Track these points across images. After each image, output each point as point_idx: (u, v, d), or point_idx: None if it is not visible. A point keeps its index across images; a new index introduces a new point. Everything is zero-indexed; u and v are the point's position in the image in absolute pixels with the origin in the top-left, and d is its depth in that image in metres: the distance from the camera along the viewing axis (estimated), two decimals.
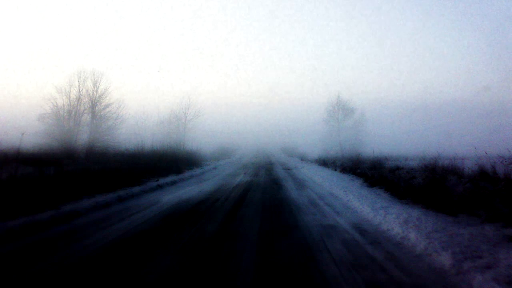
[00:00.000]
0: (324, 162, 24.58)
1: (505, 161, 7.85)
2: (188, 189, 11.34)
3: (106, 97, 25.17)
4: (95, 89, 24.83)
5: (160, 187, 11.91)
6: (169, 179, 13.80)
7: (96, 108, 24.79)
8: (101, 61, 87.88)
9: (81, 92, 24.47)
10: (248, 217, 6.72)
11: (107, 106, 25.24)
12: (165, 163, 18.09)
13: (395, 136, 44.00)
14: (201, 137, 38.43)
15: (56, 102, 23.69)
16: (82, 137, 24.20)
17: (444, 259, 3.87)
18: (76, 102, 24.28)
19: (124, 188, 10.39)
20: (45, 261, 4.15)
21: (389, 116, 54.62)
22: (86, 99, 24.63)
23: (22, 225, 5.57)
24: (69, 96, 24.19)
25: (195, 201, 8.81)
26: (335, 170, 18.39)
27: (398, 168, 13.94)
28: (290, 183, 13.32)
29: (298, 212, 7.21)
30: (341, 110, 36.67)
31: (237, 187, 11.96)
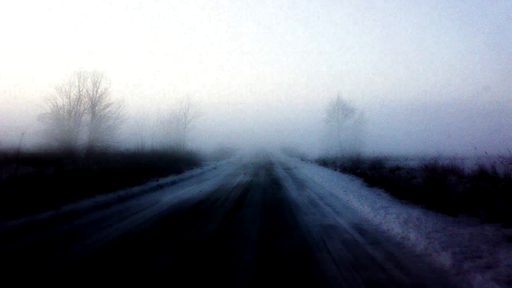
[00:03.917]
0: (324, 162, 24.59)
1: (505, 161, 7.84)
2: (188, 189, 11.34)
3: (106, 97, 25.18)
4: (95, 89, 24.83)
5: (160, 187, 11.91)
6: (169, 179, 13.80)
7: (96, 108, 24.79)
8: (101, 61, 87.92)
9: (81, 92, 24.48)
10: (248, 217, 6.72)
11: (107, 106, 25.25)
12: (165, 163, 18.09)
13: (395, 136, 44.03)
14: (201, 137, 38.37)
15: (56, 102, 23.69)
16: (82, 137, 24.19)
17: (444, 259, 3.87)
18: (76, 102, 24.28)
19: (124, 188, 10.39)
20: (45, 261, 4.16)
21: (389, 116, 54.63)
22: (86, 99, 24.63)
23: (22, 225, 5.57)
24: (69, 96, 24.19)
25: (195, 201, 8.81)
26: (335, 170, 18.39)
27: (398, 168, 13.94)
28: (290, 183, 13.32)
29: (298, 212, 7.21)
30: (341, 110, 36.66)
31: (237, 187, 11.96)
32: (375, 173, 13.11)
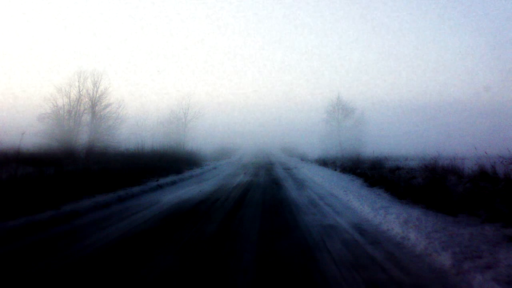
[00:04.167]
0: (324, 162, 24.60)
1: (505, 161, 7.84)
2: (188, 189, 11.34)
3: (106, 97, 25.15)
4: (95, 89, 24.80)
5: (160, 187, 11.91)
6: (169, 179, 13.80)
7: (96, 108, 24.77)
8: (101, 61, 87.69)
9: (81, 92, 24.45)
10: (248, 217, 6.72)
11: (107, 106, 25.23)
12: (165, 163, 18.09)
13: (395, 136, 43.97)
14: (201, 137, 38.43)
15: (56, 102, 23.64)
16: (82, 137, 24.17)
17: (444, 259, 3.87)
18: (76, 102, 24.25)
19: (124, 188, 10.39)
20: (45, 261, 4.16)
21: (389, 116, 54.67)
22: (86, 99, 24.60)
23: (23, 225, 5.57)
24: (69, 96, 24.15)
25: (195, 201, 8.81)
26: (335, 170, 18.39)
27: (398, 168, 13.94)
28: (290, 183, 13.32)
29: (298, 212, 7.22)
30: (341, 110, 36.64)
31: (237, 187, 11.96)
32: (375, 173, 13.12)
